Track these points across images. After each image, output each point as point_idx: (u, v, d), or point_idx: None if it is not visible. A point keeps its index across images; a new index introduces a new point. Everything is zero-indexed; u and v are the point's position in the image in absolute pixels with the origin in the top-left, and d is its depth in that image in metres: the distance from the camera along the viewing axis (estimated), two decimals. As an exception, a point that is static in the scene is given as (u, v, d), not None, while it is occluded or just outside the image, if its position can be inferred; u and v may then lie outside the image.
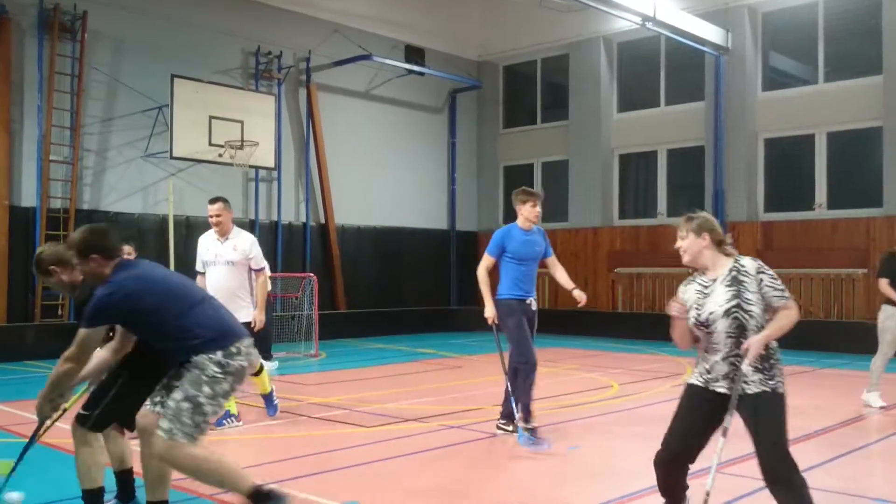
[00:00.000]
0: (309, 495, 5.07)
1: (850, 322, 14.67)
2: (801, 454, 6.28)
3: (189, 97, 13.82)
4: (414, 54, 18.81)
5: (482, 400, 8.75)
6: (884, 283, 8.24)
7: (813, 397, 9.37)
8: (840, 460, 6.16)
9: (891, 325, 8.24)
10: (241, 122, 14.39)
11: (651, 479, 5.54)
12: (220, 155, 14.15)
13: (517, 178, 20.45)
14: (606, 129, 18.54)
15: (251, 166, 14.88)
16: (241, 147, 14.28)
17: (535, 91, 20.15)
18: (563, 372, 11.53)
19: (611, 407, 8.55)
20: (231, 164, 14.35)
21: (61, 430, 5.51)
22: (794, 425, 7.11)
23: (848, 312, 14.90)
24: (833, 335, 14.43)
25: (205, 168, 14.68)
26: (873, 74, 15.03)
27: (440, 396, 9.16)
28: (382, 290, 17.69)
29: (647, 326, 16.57)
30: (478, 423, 7.45)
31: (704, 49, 16.19)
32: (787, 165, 16.50)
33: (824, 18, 15.70)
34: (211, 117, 14.02)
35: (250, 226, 15.88)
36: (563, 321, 18.27)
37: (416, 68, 18.49)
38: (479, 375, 9.61)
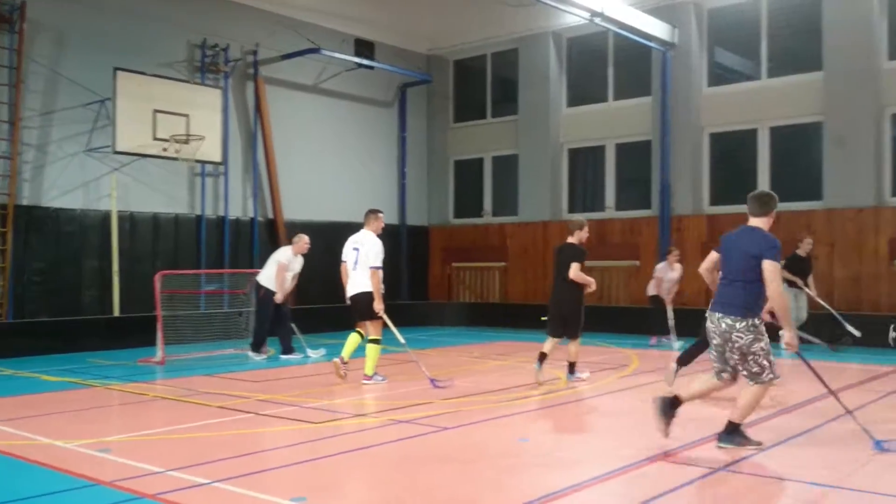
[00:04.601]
0: (255, 493, 5.00)
1: (792, 312, 15.01)
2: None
3: (132, 90, 13.55)
4: (363, 48, 18.70)
5: (432, 394, 8.74)
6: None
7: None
8: (781, 446, 6.29)
9: None
10: (187, 116, 14.15)
11: (599, 468, 5.60)
12: (165, 149, 13.90)
13: (467, 172, 20.53)
14: (555, 124, 18.66)
15: (197, 161, 14.66)
16: (187, 141, 14.05)
17: (485, 85, 20.20)
18: (514, 364, 11.59)
19: (560, 398, 8.62)
20: (176, 159, 14.11)
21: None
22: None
23: (791, 303, 15.23)
24: (775, 325, 14.73)
25: (149, 163, 14.41)
26: (814, 70, 15.38)
27: (389, 392, 9.13)
28: (332, 285, 17.52)
29: (596, 319, 16.65)
30: (427, 418, 7.43)
31: (651, 45, 16.39)
32: (731, 159, 16.81)
33: (768, 15, 16.01)
34: (155, 111, 13.77)
35: (196, 221, 15.65)
36: (513, 315, 18.41)
37: (365, 62, 18.37)
38: (430, 370, 9.61)
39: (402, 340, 9.71)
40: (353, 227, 10.81)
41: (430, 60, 20.50)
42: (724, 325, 5.98)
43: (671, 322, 13.81)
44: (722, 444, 6.13)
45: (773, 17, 16.00)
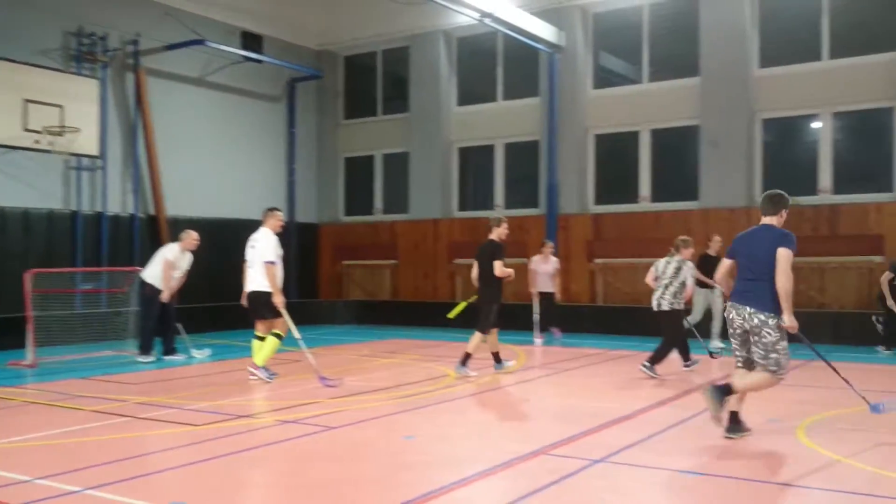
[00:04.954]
0: (131, 499, 4.81)
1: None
2: (620, 434, 6.65)
3: (1, 79, 12.80)
4: (251, 41, 18.29)
5: (318, 393, 8.65)
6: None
7: (632, 381, 9.91)
8: (654, 438, 6.53)
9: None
10: (61, 107, 13.50)
11: (484, 463, 5.67)
12: (38, 141, 13.22)
13: (358, 169, 20.42)
14: (446, 123, 18.79)
15: (72, 154, 14.00)
16: (61, 133, 13.40)
17: (376, 82, 20.13)
18: (403, 362, 11.60)
19: (447, 395, 8.68)
20: (50, 152, 13.43)
21: None
22: (611, 409, 7.57)
23: (669, 299, 15.83)
24: (655, 321, 15.29)
25: (20, 155, 13.65)
26: (691, 76, 16.04)
27: (275, 391, 8.98)
28: (217, 284, 17.09)
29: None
30: (314, 417, 7.35)
31: (539, 47, 16.70)
32: (614, 160, 17.35)
33: (649, 21, 16.61)
34: (26, 101, 13.08)
35: (72, 217, 14.94)
36: (404, 312, 18.44)
37: (252, 56, 17.99)
38: (319, 369, 9.50)
39: (298, 335, 9.59)
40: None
41: (321, 56, 20.27)
42: (756, 321, 6.28)
43: (536, 317, 14.11)
44: (705, 394, 6.43)
45: (654, 23, 16.61)
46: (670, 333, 10.08)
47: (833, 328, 13.60)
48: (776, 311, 6.22)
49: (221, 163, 17.81)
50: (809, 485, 5.27)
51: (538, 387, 9.58)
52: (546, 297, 14.30)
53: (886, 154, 14.41)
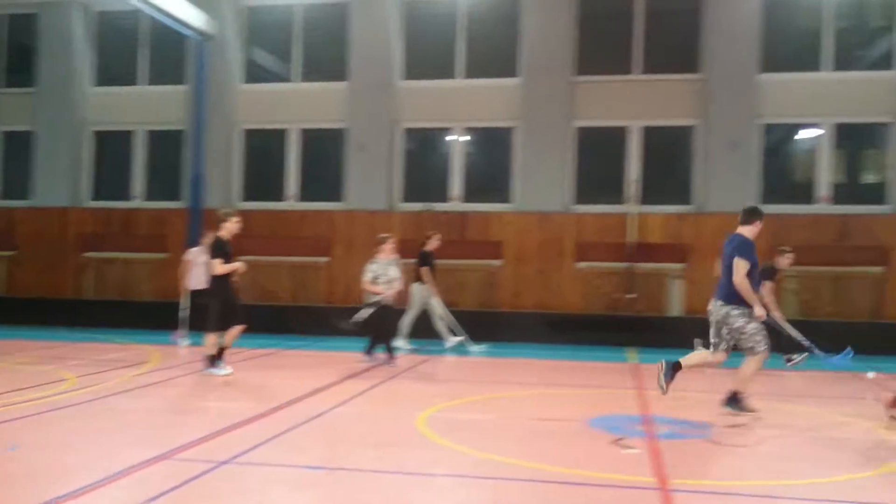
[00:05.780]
0: None
1: (313, 306, 15.83)
2: (250, 433, 6.53)
3: None
4: None
5: None
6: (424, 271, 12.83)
7: (276, 377, 9.85)
8: (284, 436, 6.51)
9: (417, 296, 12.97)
10: None
11: (100, 472, 5.19)
12: None
13: (-32, 146, 17.90)
14: (80, 103, 17.23)
15: None
16: None
17: (-4, 50, 17.84)
18: (13, 367, 10.28)
19: (63, 401, 7.85)
20: None
21: None
22: (243, 408, 7.44)
23: (314, 297, 16.06)
24: (297, 319, 15.44)
25: None
26: (340, 80, 16.43)
27: None
28: None
29: (118, 314, 15.82)
30: None
31: (186, 32, 15.93)
32: (263, 157, 17.18)
33: (302, 22, 16.70)
34: None
35: None
36: (21, 310, 16.51)
37: None
38: None
39: None
40: None
41: (-78, 10, 17.42)
42: (723, 311, 7.35)
43: (183, 313, 13.24)
44: (727, 408, 7.47)
45: (307, 24, 16.73)
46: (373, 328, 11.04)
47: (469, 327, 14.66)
48: (737, 302, 7.28)
49: None
50: (431, 472, 5.59)
51: (169, 389, 9.07)
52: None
53: (508, 169, 16.00)
